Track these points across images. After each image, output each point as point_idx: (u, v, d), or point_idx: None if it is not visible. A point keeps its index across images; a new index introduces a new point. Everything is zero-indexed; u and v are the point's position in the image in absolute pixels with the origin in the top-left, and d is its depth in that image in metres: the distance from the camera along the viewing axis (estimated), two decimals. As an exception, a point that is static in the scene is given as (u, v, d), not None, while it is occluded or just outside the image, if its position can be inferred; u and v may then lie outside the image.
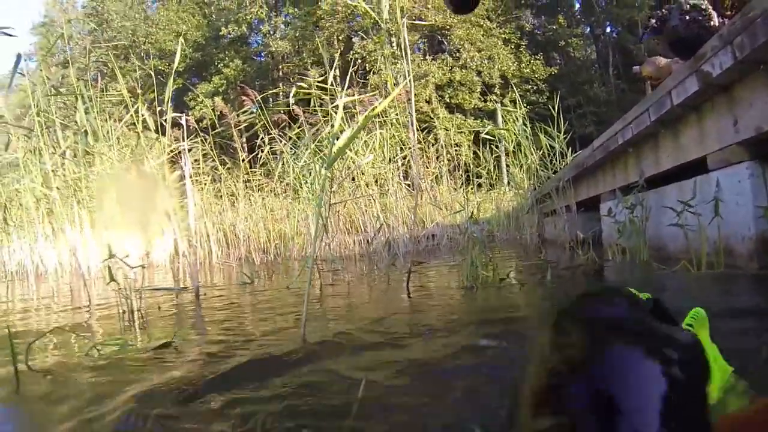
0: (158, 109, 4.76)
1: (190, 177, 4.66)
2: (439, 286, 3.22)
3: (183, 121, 5.65)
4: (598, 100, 20.38)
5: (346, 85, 3.66)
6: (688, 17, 2.53)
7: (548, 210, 6.26)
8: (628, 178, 3.66)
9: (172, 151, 5.02)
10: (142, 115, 3.71)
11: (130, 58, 16.97)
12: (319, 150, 5.71)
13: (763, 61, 1.86)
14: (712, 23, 2.45)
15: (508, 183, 9.91)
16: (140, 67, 12.56)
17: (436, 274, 4.05)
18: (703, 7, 2.51)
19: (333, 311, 2.42)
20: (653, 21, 2.83)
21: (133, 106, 3.87)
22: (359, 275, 4.09)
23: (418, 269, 4.23)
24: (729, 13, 2.35)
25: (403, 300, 2.57)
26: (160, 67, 15.83)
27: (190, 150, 5.97)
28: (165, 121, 4.56)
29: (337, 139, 1.77)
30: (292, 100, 5.03)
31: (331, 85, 3.85)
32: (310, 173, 5.98)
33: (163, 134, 4.10)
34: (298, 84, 5.19)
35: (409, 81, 3.35)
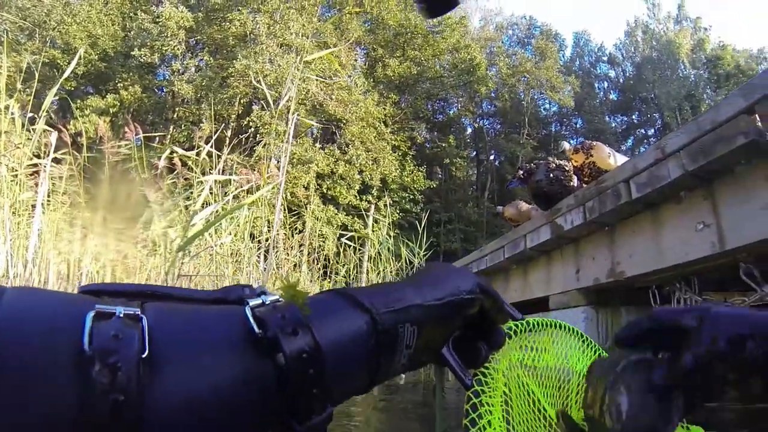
0: (30, 114, 4.38)
1: (46, 196, 4.24)
2: None
3: (53, 138, 5.20)
4: (469, 219, 21.64)
5: (227, 150, 3.63)
6: (552, 175, 2.84)
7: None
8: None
9: (34, 165, 4.56)
10: (11, 115, 3.36)
11: (35, 38, 15.49)
12: (187, 209, 5.46)
13: (608, 224, 2.13)
14: (571, 184, 2.77)
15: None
16: (39, 51, 11.42)
17: None
18: (567, 168, 2.85)
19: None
20: (521, 172, 3.09)
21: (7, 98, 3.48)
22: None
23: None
24: (586, 180, 2.68)
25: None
26: (58, 61, 14.56)
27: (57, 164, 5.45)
28: (33, 129, 4.16)
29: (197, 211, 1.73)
30: (162, 162, 4.86)
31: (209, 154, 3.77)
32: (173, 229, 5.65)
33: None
34: (174, 147, 5.06)
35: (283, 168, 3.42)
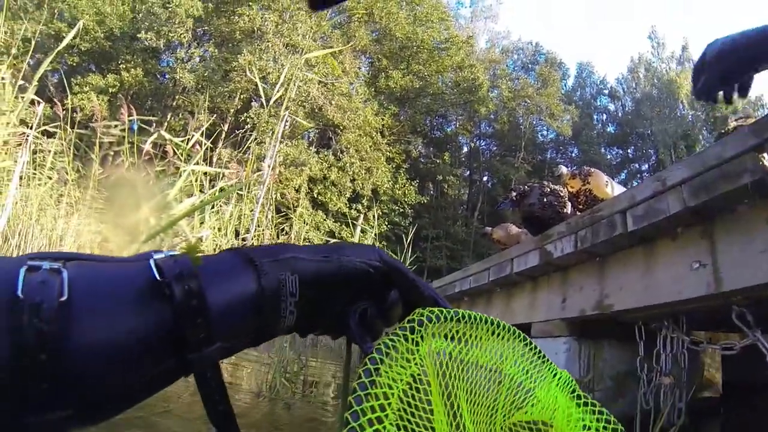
0: (21, 81, 4.30)
1: (27, 167, 4.16)
2: (238, 386, 3.11)
3: (39, 109, 5.10)
4: (456, 237, 21.59)
5: (222, 143, 3.57)
6: (545, 199, 2.78)
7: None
8: (459, 322, 3.79)
9: (22, 133, 4.48)
10: (2, 80, 3.31)
11: (43, 8, 15.31)
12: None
13: (599, 255, 2.07)
14: (565, 210, 2.72)
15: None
16: (46, 22, 11.28)
17: (245, 369, 3.86)
18: (561, 194, 2.79)
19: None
20: (514, 194, 3.02)
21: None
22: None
23: (228, 360, 4.03)
24: (581, 207, 2.63)
25: (197, 393, 2.47)
26: (63, 33, 14.35)
27: (48, 138, 5.34)
28: (23, 97, 4.11)
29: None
30: (148, 146, 4.80)
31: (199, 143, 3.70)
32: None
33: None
34: (161, 132, 5.00)
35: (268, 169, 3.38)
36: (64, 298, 0.31)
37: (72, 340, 0.30)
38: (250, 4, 16.95)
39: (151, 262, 0.37)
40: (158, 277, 0.36)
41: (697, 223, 1.56)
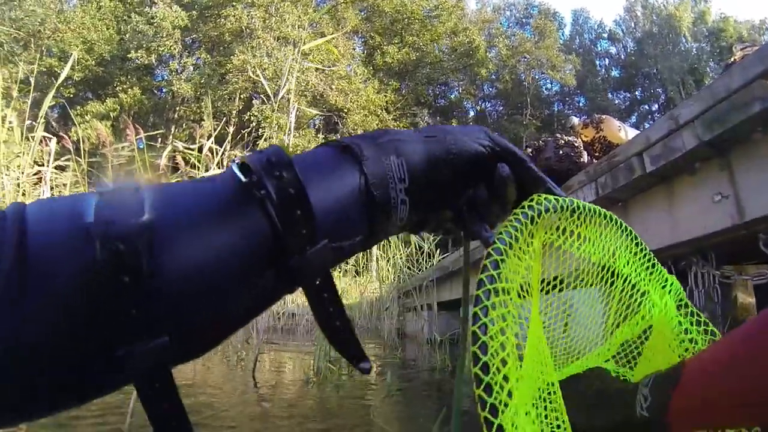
0: (27, 122, 4.37)
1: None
2: (285, 376, 3.25)
3: (52, 145, 5.18)
4: (476, 203, 21.62)
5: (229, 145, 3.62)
6: (561, 151, 2.79)
7: (410, 306, 6.34)
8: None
9: (37, 174, 4.57)
10: (9, 124, 3.37)
11: (30, 48, 15.50)
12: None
13: (621, 200, 2.09)
14: (582, 160, 2.73)
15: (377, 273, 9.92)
16: (36, 60, 11.48)
17: (288, 359, 3.98)
18: (576, 144, 2.80)
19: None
20: (529, 150, 3.04)
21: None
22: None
23: (272, 349, 4.14)
24: (597, 155, 2.64)
25: (248, 389, 2.60)
26: (55, 68, 14.49)
27: (61, 171, 5.43)
28: (32, 137, 4.18)
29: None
30: (164, 160, 4.85)
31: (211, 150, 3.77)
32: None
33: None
34: (174, 143, 5.03)
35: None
36: (145, 217, 0.27)
37: (157, 259, 0.27)
38: (234, 3, 16.90)
39: (233, 165, 0.33)
40: (244, 178, 0.31)
41: (715, 156, 1.57)
